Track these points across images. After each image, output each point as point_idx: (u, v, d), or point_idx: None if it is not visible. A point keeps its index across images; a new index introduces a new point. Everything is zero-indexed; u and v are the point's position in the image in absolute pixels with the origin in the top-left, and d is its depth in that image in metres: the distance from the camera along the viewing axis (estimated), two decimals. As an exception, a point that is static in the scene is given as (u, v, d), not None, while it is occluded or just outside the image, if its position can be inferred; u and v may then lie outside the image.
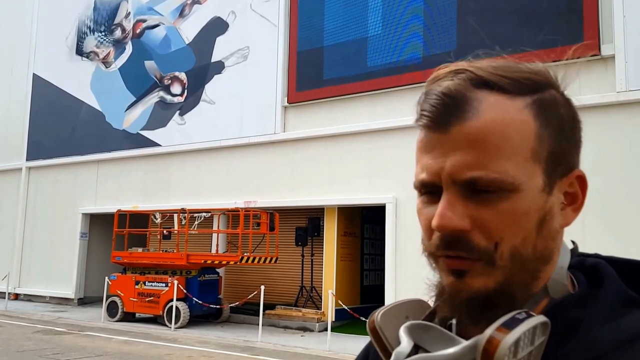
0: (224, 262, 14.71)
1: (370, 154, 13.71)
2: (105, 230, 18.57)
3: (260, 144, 15.57)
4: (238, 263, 14.16)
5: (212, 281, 14.98)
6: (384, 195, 13.33)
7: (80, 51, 20.39)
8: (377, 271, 16.27)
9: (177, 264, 14.47)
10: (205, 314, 14.64)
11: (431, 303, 0.76)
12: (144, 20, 18.72)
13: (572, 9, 11.39)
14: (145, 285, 14.71)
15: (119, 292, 14.97)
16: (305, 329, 13.80)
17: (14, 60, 22.43)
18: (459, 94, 0.68)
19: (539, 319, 0.63)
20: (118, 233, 15.77)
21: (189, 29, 17.55)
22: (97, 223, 19.33)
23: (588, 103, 10.35)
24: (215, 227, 15.80)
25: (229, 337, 12.75)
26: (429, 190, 0.71)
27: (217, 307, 14.57)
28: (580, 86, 10.38)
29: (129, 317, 14.95)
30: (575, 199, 0.73)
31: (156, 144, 17.66)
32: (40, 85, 21.29)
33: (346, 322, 13.88)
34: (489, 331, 0.62)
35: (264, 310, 13.04)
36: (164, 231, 15.56)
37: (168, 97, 17.64)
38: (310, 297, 14.99)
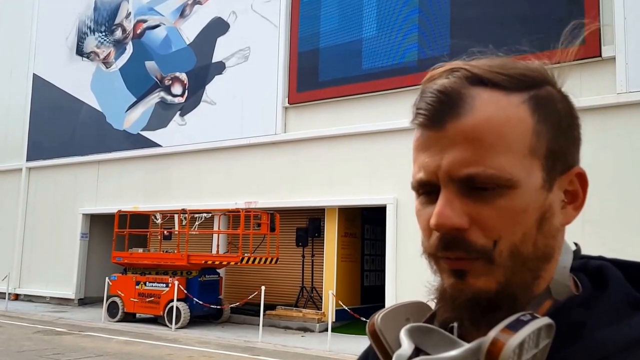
0: (224, 263, 14.72)
1: (371, 155, 13.71)
2: (106, 230, 18.57)
3: (261, 145, 15.57)
4: (238, 263, 14.16)
5: (213, 281, 14.98)
6: (385, 196, 13.33)
7: (80, 51, 20.39)
8: (377, 272, 16.27)
9: (177, 264, 14.48)
10: (205, 315, 14.64)
11: (432, 305, 0.75)
12: (145, 21, 18.72)
13: (572, 11, 11.39)
14: (145, 285, 14.72)
15: (119, 292, 14.97)
16: (305, 330, 13.80)
17: (14, 60, 22.43)
18: (455, 91, 0.67)
19: (543, 320, 0.62)
20: (118, 233, 15.77)
21: (190, 29, 17.55)
22: (98, 223, 19.33)
23: (588, 104, 10.35)
24: (215, 228, 15.80)
25: (229, 337, 12.75)
26: (427, 190, 0.70)
27: (218, 307, 14.57)
28: (581, 88, 10.38)
29: (129, 318, 14.95)
30: (575, 197, 0.72)
31: (157, 145, 17.66)
32: (40, 86, 21.29)
33: (346, 323, 13.88)
34: (492, 333, 0.61)
35: (264, 311, 13.04)
36: (165, 232, 15.56)
37: (169, 98, 17.65)
38: (310, 297, 15.00)
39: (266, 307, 13.37)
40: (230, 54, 16.50)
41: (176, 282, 13.89)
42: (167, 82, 17.75)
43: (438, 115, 0.68)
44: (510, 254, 0.66)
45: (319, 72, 14.80)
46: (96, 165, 19.14)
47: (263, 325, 12.73)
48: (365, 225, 16.26)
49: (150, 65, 18.25)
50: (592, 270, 0.74)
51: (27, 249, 20.51)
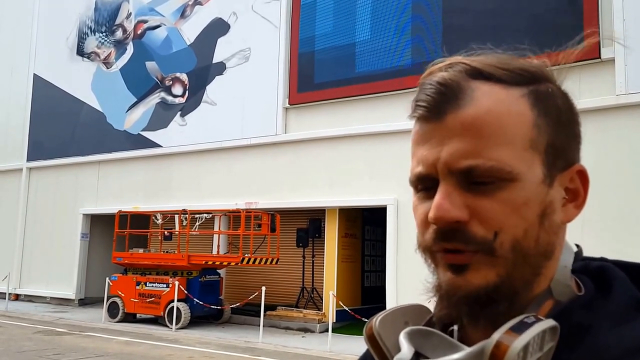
0: (225, 263, 14.72)
1: (371, 155, 13.71)
2: (106, 231, 18.56)
3: (262, 145, 15.58)
4: (239, 264, 14.17)
5: (213, 282, 14.98)
6: (385, 196, 13.33)
7: (81, 52, 20.40)
8: (378, 272, 16.27)
9: (178, 264, 14.48)
10: (206, 315, 14.64)
11: (431, 307, 0.73)
12: (145, 21, 18.73)
13: (571, 14, 11.40)
14: (146, 286, 14.72)
15: (119, 292, 14.97)
16: (306, 330, 13.80)
17: (14, 60, 22.43)
18: (454, 83, 0.67)
19: (548, 323, 0.61)
20: (119, 234, 15.77)
21: (190, 29, 17.56)
22: (98, 224, 19.33)
23: (587, 106, 10.35)
24: (216, 228, 15.80)
25: (229, 337, 12.75)
26: (426, 185, 0.69)
27: (218, 308, 14.57)
28: (580, 89, 10.38)
29: (129, 318, 14.95)
30: (576, 196, 0.71)
31: (157, 145, 17.66)
32: (41, 86, 21.29)
33: (347, 323, 13.88)
34: (496, 335, 0.59)
35: (264, 311, 13.04)
36: (165, 232, 15.56)
37: (169, 98, 17.65)
38: (311, 298, 15.00)
39: (267, 308, 13.37)
40: (231, 55, 16.50)
41: (176, 283, 13.89)
42: (167, 83, 17.76)
43: (438, 107, 0.67)
44: (512, 247, 0.65)
45: (315, 74, 14.87)
46: (97, 166, 19.15)
47: (263, 326, 12.73)
48: (366, 226, 16.26)
49: (151, 65, 18.25)
50: (593, 271, 0.72)
51: (28, 249, 20.51)
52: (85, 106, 19.74)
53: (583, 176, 0.72)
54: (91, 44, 20.13)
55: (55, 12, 21.33)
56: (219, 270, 15.34)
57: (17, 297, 20.01)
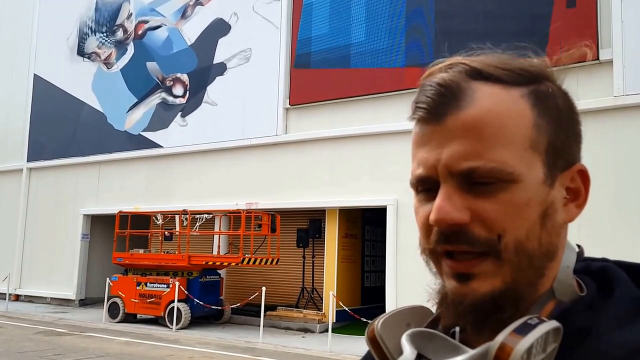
0: (225, 264, 14.72)
1: (371, 156, 13.72)
2: (107, 231, 18.56)
3: (262, 146, 15.58)
4: (239, 264, 14.17)
5: (214, 282, 14.99)
6: (385, 197, 13.34)
7: (81, 52, 20.41)
8: (378, 273, 16.27)
9: (178, 265, 14.48)
10: (206, 315, 14.64)
11: (433, 309, 0.72)
12: (146, 22, 18.74)
13: (569, 15, 11.42)
14: (146, 286, 14.72)
15: (120, 293, 14.98)
16: (306, 330, 13.80)
17: (15, 60, 22.44)
18: (455, 84, 0.67)
19: (551, 324, 0.60)
20: (119, 234, 15.78)
21: (191, 30, 17.57)
22: (99, 224, 19.33)
23: (585, 107, 10.34)
24: (216, 229, 15.80)
25: (230, 338, 12.75)
26: (426, 187, 0.69)
27: (219, 308, 14.57)
28: (578, 91, 10.34)
29: (130, 318, 14.95)
30: (578, 195, 0.71)
31: (158, 145, 17.67)
32: (41, 86, 21.30)
33: (347, 324, 13.88)
34: (500, 337, 0.59)
35: (265, 312, 13.04)
36: (166, 232, 15.56)
37: (170, 99, 17.66)
38: (311, 298, 15.00)
39: (267, 308, 13.38)
40: (232, 55, 16.51)
41: (177, 283, 13.89)
42: (168, 83, 17.77)
43: (438, 108, 0.67)
44: (516, 249, 0.64)
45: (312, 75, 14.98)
46: (97, 166, 19.15)
47: (264, 326, 12.73)
48: (366, 226, 16.27)
49: (152, 66, 18.26)
50: (595, 272, 0.72)
51: (28, 249, 20.51)
52: (86, 106, 19.74)
53: (584, 176, 0.71)
54: (92, 44, 20.13)
55: (55, 13, 21.34)
56: (219, 271, 15.34)
57: (17, 298, 20.01)
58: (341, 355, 11.02)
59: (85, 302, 18.88)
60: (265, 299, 12.75)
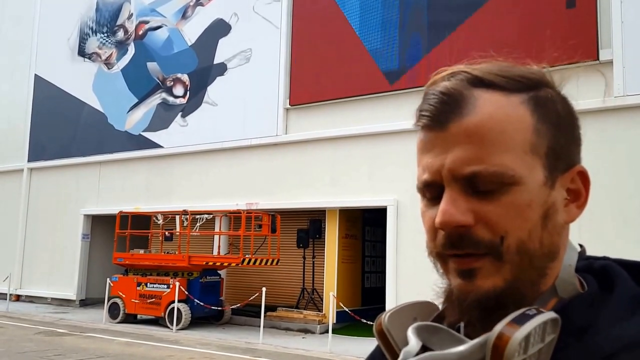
0: (225, 264, 14.71)
1: (372, 156, 13.71)
2: (107, 231, 18.57)
3: (263, 146, 15.58)
4: (239, 265, 14.17)
5: (214, 283, 14.98)
6: (386, 197, 13.33)
7: (82, 52, 20.42)
8: (378, 273, 16.26)
9: (178, 265, 14.48)
10: (206, 316, 14.64)
11: (440, 306, 0.76)
12: (147, 22, 18.75)
13: (570, 16, 11.42)
14: (146, 286, 14.72)
15: (120, 293, 14.98)
16: (306, 331, 13.80)
17: (15, 61, 22.46)
18: (456, 92, 0.69)
19: (549, 315, 0.63)
20: (120, 234, 15.78)
21: (192, 30, 17.57)
22: (99, 224, 19.34)
23: (585, 108, 10.34)
24: (217, 229, 15.81)
25: (230, 338, 12.75)
26: (432, 191, 0.71)
27: (219, 308, 14.56)
28: (578, 91, 10.35)
29: (130, 319, 14.95)
30: (578, 196, 0.73)
31: (158, 146, 17.67)
32: (42, 86, 21.32)
33: (347, 324, 13.87)
34: (499, 327, 0.61)
35: (265, 312, 13.04)
36: (166, 233, 15.56)
37: (170, 99, 17.67)
38: (311, 299, 15.00)
39: (267, 309, 13.37)
40: (232, 56, 16.51)
41: (177, 284, 13.89)
42: (168, 83, 17.77)
43: (441, 116, 0.69)
44: (517, 249, 0.67)
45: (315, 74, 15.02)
46: (98, 166, 19.16)
47: (264, 327, 12.73)
48: (366, 227, 16.26)
49: (152, 66, 18.27)
50: (597, 270, 0.74)
51: (29, 250, 20.52)
52: (87, 107, 19.75)
53: (584, 177, 0.73)
54: (92, 44, 20.14)
55: (56, 13, 21.35)
56: (219, 271, 15.33)
57: (18, 298, 20.01)
58: (341, 356, 11.02)
59: (85, 303, 18.89)
60: (265, 299, 12.75)
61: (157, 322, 14.69)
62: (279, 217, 14.53)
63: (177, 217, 15.52)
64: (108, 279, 15.36)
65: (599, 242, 9.58)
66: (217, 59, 16.81)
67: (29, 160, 21.23)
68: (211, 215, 15.33)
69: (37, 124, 21.18)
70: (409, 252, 12.39)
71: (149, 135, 17.95)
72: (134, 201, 17.72)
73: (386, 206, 13.39)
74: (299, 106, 15.15)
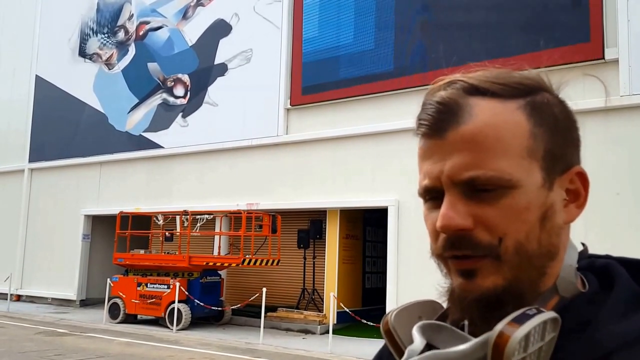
0: (225, 264, 14.71)
1: (372, 156, 13.70)
2: (108, 232, 18.58)
3: (263, 146, 15.58)
4: (240, 265, 14.16)
5: (214, 283, 14.98)
6: (386, 198, 13.32)
7: (83, 53, 20.43)
8: (378, 274, 16.25)
9: (179, 265, 14.48)
10: (207, 316, 14.64)
11: (444, 305, 0.77)
12: (147, 22, 18.75)
13: (576, 13, 11.40)
14: (147, 287, 14.72)
15: (120, 293, 14.98)
16: (306, 332, 13.79)
17: (16, 61, 22.47)
18: (452, 101, 0.71)
19: (549, 314, 0.64)
20: (120, 235, 15.78)
21: (192, 31, 17.58)
22: (100, 225, 19.35)
23: (591, 107, 10.33)
24: (217, 229, 15.81)
25: (230, 339, 12.74)
26: (433, 196, 0.73)
27: (219, 309, 14.56)
28: (584, 90, 10.37)
29: (130, 319, 14.95)
30: (577, 196, 0.74)
31: (159, 146, 17.67)
32: (42, 87, 21.33)
33: (348, 325, 13.86)
34: (499, 326, 0.63)
35: (265, 313, 13.03)
36: (166, 233, 15.56)
37: (171, 99, 17.67)
38: (312, 299, 14.99)
39: (267, 309, 13.37)
40: (233, 56, 16.51)
41: (177, 284, 13.89)
42: (169, 84, 17.77)
43: (438, 125, 0.72)
44: (516, 250, 0.69)
45: (304, 76, 15.02)
46: (98, 167, 19.16)
47: (264, 327, 12.72)
48: (367, 227, 16.25)
49: (153, 66, 18.27)
50: (598, 268, 0.76)
51: (29, 250, 20.53)
52: (87, 107, 19.76)
53: (583, 177, 0.75)
54: (93, 45, 20.15)
55: (57, 14, 21.37)
56: (219, 272, 15.33)
57: (18, 298, 20.03)
58: (342, 356, 11.01)
59: (86, 303, 18.90)
60: (265, 300, 12.74)
61: (157, 322, 14.69)
62: (279, 217, 14.52)
63: (178, 217, 15.52)
64: (108, 279, 15.36)
65: (604, 240, 9.56)
66: (218, 59, 16.81)
67: (29, 161, 21.25)
68: (211, 216, 15.32)
69: (38, 125, 21.19)
70: (410, 252, 12.38)
71: (149, 135, 17.95)
72: (134, 201, 17.72)
73: (387, 206, 13.38)
74: (300, 106, 15.14)
